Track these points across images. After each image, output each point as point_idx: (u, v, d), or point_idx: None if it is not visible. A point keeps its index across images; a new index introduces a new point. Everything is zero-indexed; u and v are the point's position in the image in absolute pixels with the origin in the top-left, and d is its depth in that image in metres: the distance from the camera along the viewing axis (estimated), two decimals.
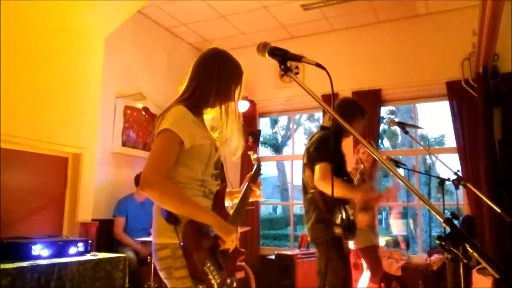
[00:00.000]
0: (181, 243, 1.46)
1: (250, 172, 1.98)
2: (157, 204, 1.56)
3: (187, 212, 1.50)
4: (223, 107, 1.72)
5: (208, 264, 1.49)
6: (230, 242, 1.56)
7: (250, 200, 1.91)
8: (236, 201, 1.85)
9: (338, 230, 2.54)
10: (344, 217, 2.56)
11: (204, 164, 1.62)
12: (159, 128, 1.56)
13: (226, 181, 1.75)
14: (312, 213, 2.70)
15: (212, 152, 1.65)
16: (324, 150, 2.62)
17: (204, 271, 1.47)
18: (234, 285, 1.63)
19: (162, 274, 1.56)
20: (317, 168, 2.58)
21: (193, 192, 1.59)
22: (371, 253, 3.63)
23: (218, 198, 1.67)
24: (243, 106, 5.35)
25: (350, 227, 2.57)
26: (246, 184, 1.90)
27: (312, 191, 2.68)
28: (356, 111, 2.84)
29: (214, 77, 1.68)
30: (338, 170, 2.67)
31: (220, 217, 1.57)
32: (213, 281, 1.48)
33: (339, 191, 2.56)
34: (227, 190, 1.78)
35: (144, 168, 1.50)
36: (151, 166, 1.50)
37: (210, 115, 1.75)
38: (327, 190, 2.55)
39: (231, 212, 1.75)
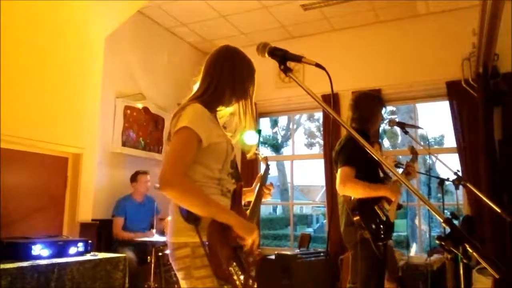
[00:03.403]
0: (207, 243, 1.43)
1: (260, 173, 1.98)
2: (174, 204, 1.53)
3: (208, 211, 1.46)
4: (240, 105, 1.71)
5: (234, 264, 1.47)
6: (251, 241, 1.53)
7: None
8: (248, 199, 1.83)
9: (366, 233, 2.43)
10: (373, 219, 2.47)
11: (221, 162, 1.60)
12: (176, 127, 1.52)
13: (241, 180, 1.73)
14: (343, 216, 2.66)
15: (229, 151, 1.63)
16: (345, 153, 2.56)
17: (230, 272, 1.45)
18: (255, 286, 1.59)
19: (179, 275, 1.52)
20: (338, 173, 2.54)
21: (211, 190, 1.56)
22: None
23: (236, 197, 1.65)
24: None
25: (379, 229, 2.46)
26: (259, 184, 1.88)
27: (341, 194, 2.62)
28: (376, 102, 2.81)
29: (229, 74, 1.65)
30: (365, 172, 2.54)
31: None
32: (237, 282, 1.46)
33: (361, 192, 2.48)
34: None
35: (163, 167, 1.45)
36: (170, 165, 1.45)
37: (223, 113, 1.73)
38: (349, 194, 2.51)
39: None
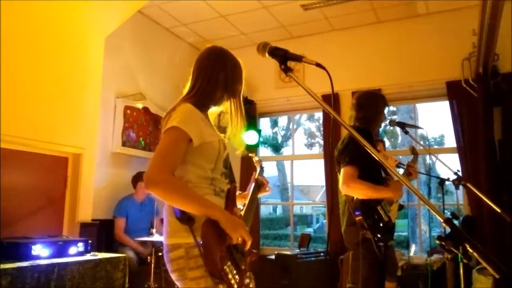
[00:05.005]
0: (201, 242, 1.41)
1: (254, 173, 1.97)
2: (168, 205, 1.53)
3: (194, 207, 1.45)
4: (232, 104, 1.72)
5: (228, 263, 1.45)
6: (237, 238, 1.47)
7: (259, 195, 1.91)
8: (245, 202, 1.83)
9: (368, 233, 2.39)
10: (375, 219, 2.42)
11: (213, 162, 1.59)
12: (166, 126, 1.53)
13: (235, 181, 1.74)
14: (344, 216, 2.63)
15: (221, 150, 1.63)
16: (348, 152, 2.52)
17: (225, 271, 1.43)
18: (251, 286, 1.59)
19: (174, 276, 1.51)
20: (341, 172, 2.52)
21: (204, 191, 1.55)
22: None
23: (230, 197, 1.63)
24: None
25: (381, 230, 2.41)
26: (253, 184, 1.88)
27: (343, 194, 2.59)
28: (381, 101, 2.77)
29: (221, 74, 1.67)
30: (368, 172, 2.51)
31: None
32: (233, 281, 1.44)
33: (365, 193, 2.44)
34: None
35: (149, 166, 1.44)
36: (155, 164, 1.45)
37: (212, 112, 1.74)
38: (352, 194, 2.48)
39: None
